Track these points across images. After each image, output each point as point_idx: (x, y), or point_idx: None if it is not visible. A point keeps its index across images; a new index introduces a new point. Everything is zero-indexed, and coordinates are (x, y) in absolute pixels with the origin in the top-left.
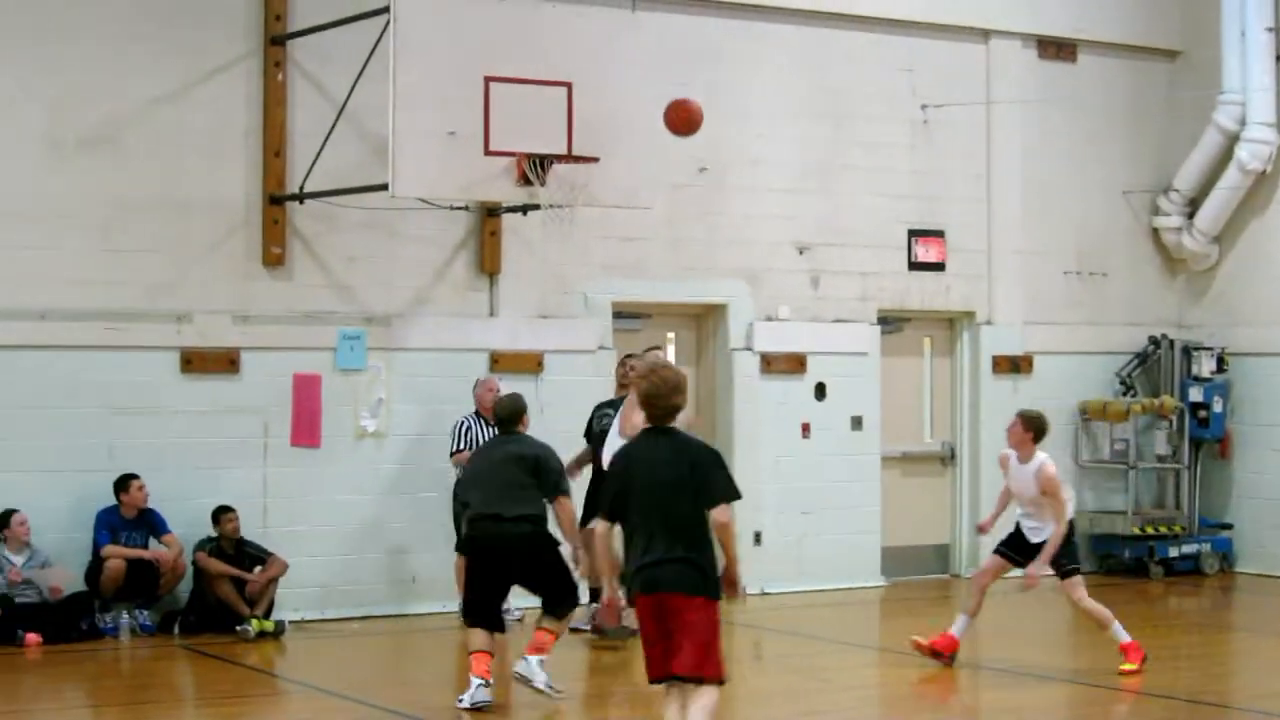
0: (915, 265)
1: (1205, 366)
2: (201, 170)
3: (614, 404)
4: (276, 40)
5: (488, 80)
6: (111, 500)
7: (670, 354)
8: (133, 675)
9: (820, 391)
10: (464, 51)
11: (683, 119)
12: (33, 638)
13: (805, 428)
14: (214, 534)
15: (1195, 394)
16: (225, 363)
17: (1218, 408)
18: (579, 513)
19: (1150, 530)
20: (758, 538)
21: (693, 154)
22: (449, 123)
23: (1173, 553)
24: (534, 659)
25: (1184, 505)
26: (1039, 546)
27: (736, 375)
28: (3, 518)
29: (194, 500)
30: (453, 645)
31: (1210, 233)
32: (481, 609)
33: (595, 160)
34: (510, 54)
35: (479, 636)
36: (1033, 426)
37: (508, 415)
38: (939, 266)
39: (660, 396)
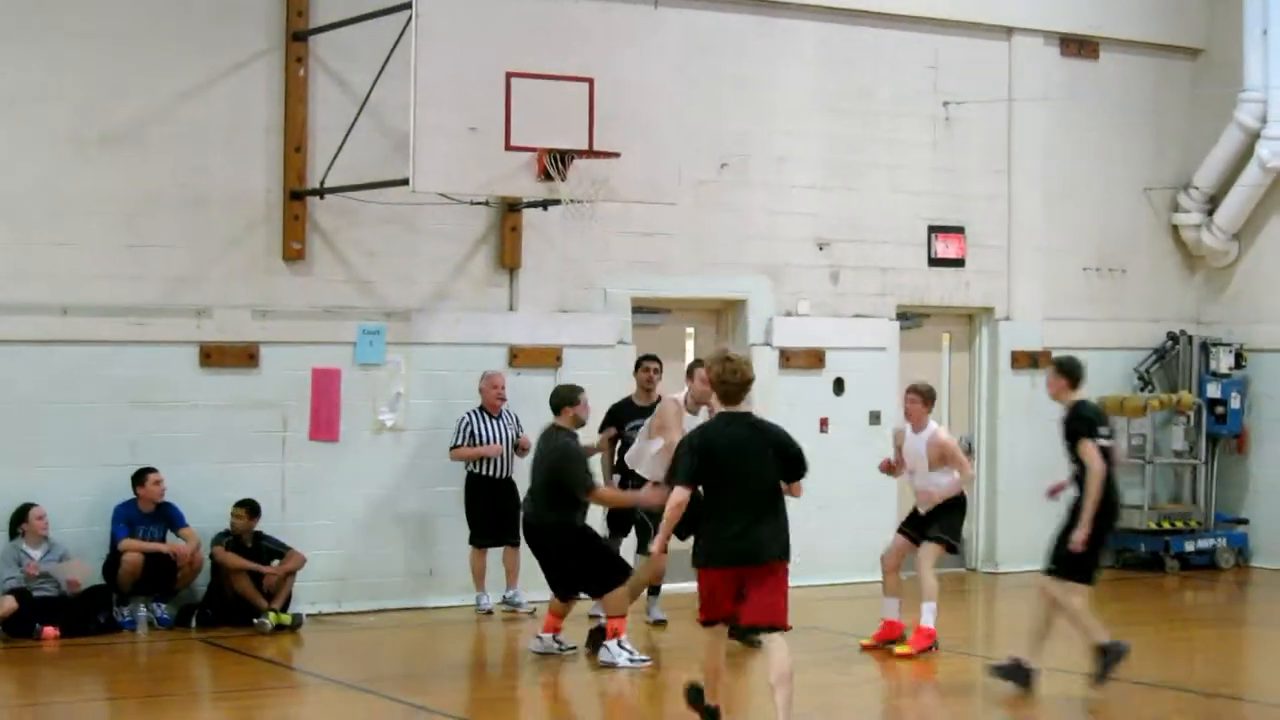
0: (935, 261)
1: (1223, 362)
2: (223, 165)
3: (635, 407)
4: (298, 36)
5: (509, 76)
6: (130, 494)
7: (689, 349)
8: (150, 669)
9: (839, 386)
10: (485, 47)
11: None
12: (50, 631)
13: (824, 422)
14: (230, 528)
15: (1213, 390)
16: (245, 357)
17: (1235, 404)
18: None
19: (1166, 525)
20: None
21: (714, 150)
22: (470, 118)
23: (1189, 547)
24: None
25: (1200, 500)
26: (931, 517)
27: (755, 370)
28: (21, 512)
29: (212, 494)
30: (469, 638)
31: (1230, 230)
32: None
33: (616, 155)
34: (532, 49)
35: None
36: (927, 398)
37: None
38: (959, 262)
39: (736, 374)
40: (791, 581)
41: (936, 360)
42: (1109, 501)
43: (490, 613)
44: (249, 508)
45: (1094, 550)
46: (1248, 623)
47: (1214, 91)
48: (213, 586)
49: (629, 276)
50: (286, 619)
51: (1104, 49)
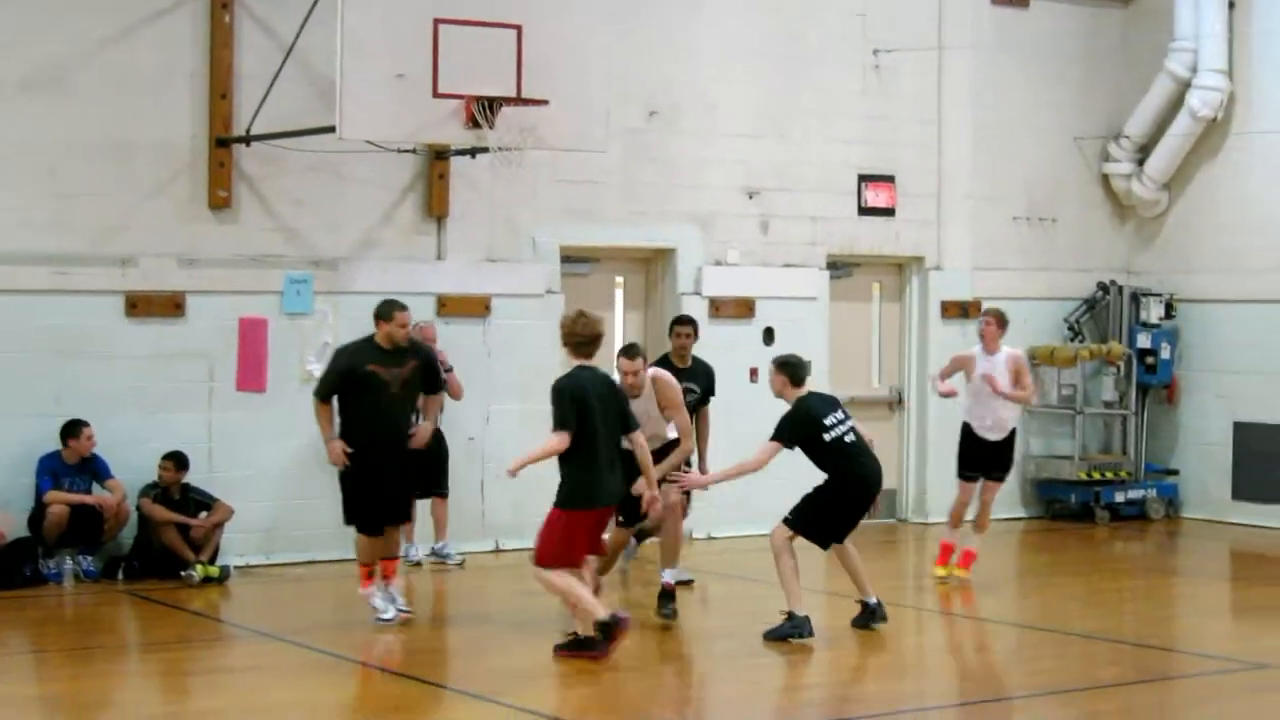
0: (865, 210)
1: (1153, 313)
2: (147, 112)
3: (676, 369)
4: None
5: (437, 22)
6: (58, 445)
7: (618, 299)
8: (76, 621)
9: (769, 336)
10: None
11: None
12: None
13: (753, 372)
14: (159, 480)
15: (1143, 340)
16: (171, 306)
17: (1165, 354)
18: None
19: (1096, 475)
20: None
21: (643, 98)
22: (397, 65)
23: (1119, 498)
24: None
25: (1130, 451)
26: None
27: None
28: None
29: (139, 445)
30: (399, 590)
31: (1160, 179)
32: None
33: (545, 103)
34: None
35: None
36: (1001, 321)
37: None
38: (889, 212)
39: (588, 327)
40: (721, 531)
41: (867, 310)
42: (857, 477)
43: (419, 564)
44: (177, 460)
45: (834, 515)
46: (1178, 573)
47: (1144, 40)
48: (139, 539)
49: (557, 225)
50: (214, 571)
51: None
